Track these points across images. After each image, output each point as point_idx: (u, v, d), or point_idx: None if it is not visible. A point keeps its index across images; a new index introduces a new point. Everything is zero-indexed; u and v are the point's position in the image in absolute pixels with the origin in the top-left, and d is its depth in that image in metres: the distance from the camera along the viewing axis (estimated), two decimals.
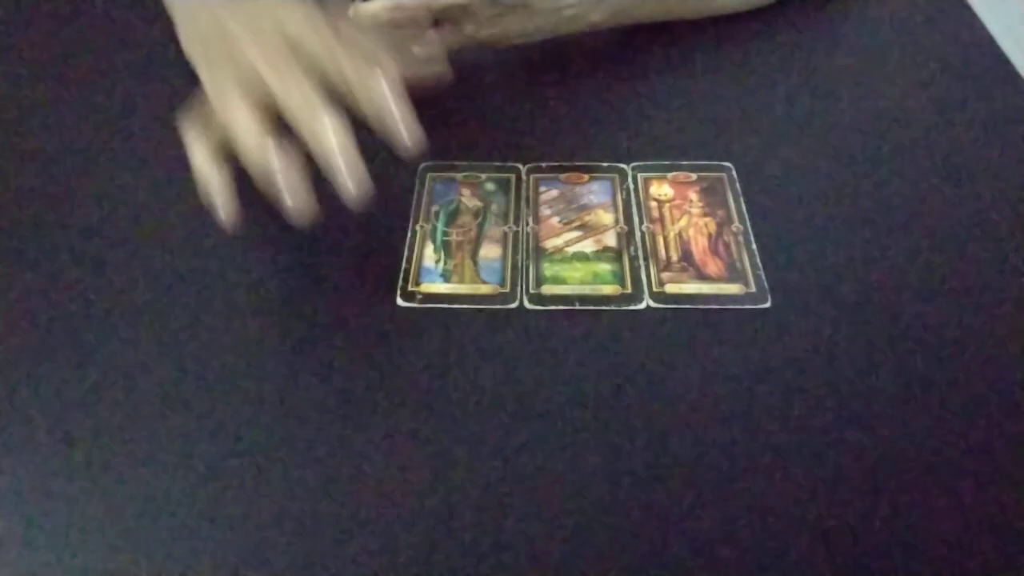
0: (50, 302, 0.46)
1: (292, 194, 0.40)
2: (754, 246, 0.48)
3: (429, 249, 0.49)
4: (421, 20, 0.56)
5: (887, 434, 0.40)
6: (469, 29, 0.57)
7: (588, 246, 0.49)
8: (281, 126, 0.42)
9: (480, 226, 0.50)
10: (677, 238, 0.49)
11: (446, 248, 0.49)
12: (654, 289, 0.46)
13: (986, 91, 0.59)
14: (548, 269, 0.48)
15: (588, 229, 0.50)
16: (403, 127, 0.42)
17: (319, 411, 0.41)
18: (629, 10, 0.62)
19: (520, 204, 0.51)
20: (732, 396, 0.41)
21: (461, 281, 0.47)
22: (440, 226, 0.50)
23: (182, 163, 0.54)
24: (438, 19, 0.57)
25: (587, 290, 0.46)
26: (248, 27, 0.44)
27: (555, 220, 0.51)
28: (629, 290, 0.46)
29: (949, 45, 0.64)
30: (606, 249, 0.49)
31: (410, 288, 0.47)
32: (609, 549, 0.36)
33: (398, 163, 0.54)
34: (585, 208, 0.51)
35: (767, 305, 0.45)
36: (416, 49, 0.57)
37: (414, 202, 0.52)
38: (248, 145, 0.41)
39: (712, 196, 0.52)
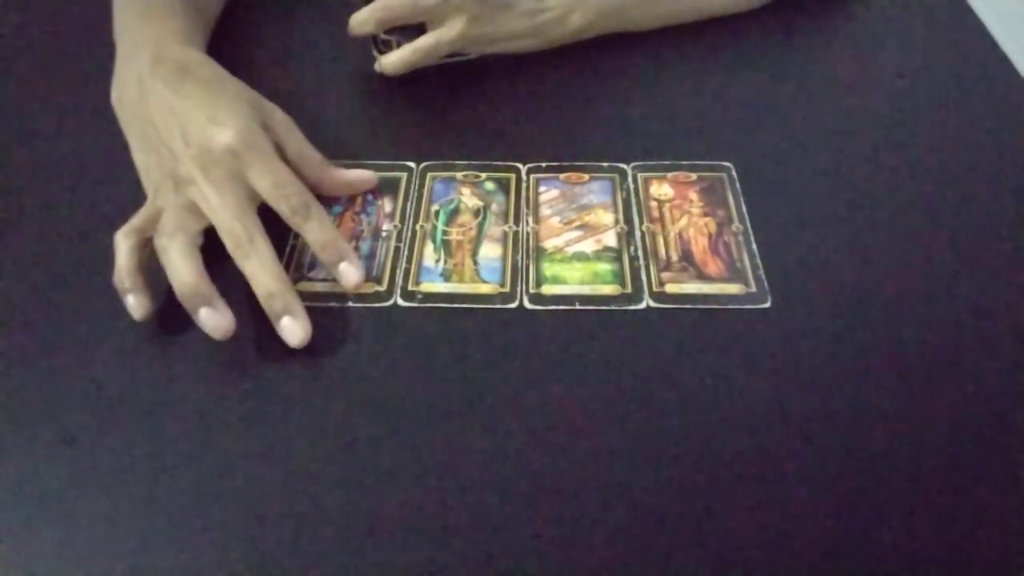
0: (51, 302, 0.46)
1: (213, 331, 0.43)
2: (754, 246, 0.48)
3: (429, 249, 0.49)
4: (408, 21, 0.57)
5: (887, 434, 0.40)
6: (455, 31, 0.57)
7: (588, 246, 0.49)
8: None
9: (480, 226, 0.50)
10: (677, 238, 0.49)
11: (446, 247, 0.49)
12: (654, 289, 0.46)
13: (986, 91, 0.59)
14: (548, 269, 0.48)
15: (588, 229, 0.50)
16: (343, 266, 0.46)
17: (319, 410, 0.41)
18: (611, 15, 0.62)
19: (520, 204, 0.51)
20: (732, 396, 0.41)
21: (461, 281, 0.47)
22: (440, 225, 0.50)
23: None
24: (424, 21, 0.57)
25: (587, 290, 0.46)
26: (185, 133, 0.46)
27: (555, 220, 0.50)
28: (629, 290, 0.46)
29: (949, 45, 0.64)
30: (606, 249, 0.49)
31: (410, 288, 0.47)
32: (609, 548, 0.36)
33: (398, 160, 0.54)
34: (585, 208, 0.51)
35: (767, 305, 0.45)
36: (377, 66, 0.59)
37: (413, 201, 0.52)
38: (181, 281, 0.43)
39: (712, 196, 0.52)
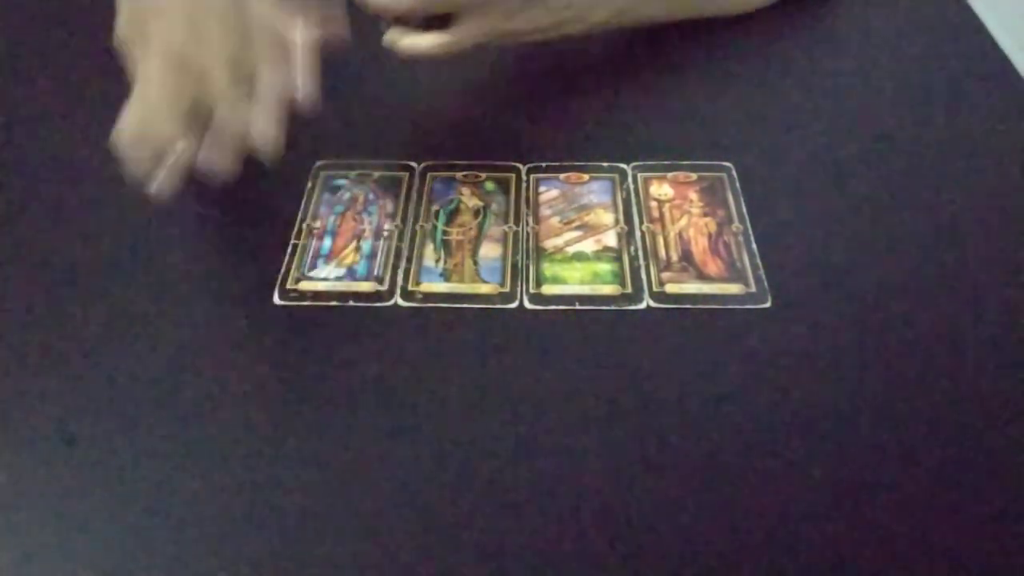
0: (50, 302, 0.46)
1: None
2: (754, 246, 0.48)
3: (429, 249, 0.49)
4: (446, 11, 0.55)
5: (887, 433, 0.40)
6: (488, 23, 0.56)
7: (588, 246, 0.49)
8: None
9: (480, 226, 0.50)
10: (677, 238, 0.49)
11: (446, 247, 0.49)
12: (654, 289, 0.46)
13: (986, 91, 0.59)
14: (548, 269, 0.48)
15: (588, 229, 0.50)
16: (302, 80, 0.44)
17: (320, 410, 0.41)
18: (627, 11, 0.62)
19: (520, 204, 0.51)
20: (732, 396, 0.41)
21: (461, 281, 0.47)
22: (440, 225, 0.50)
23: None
24: (456, 13, 0.56)
25: (587, 290, 0.46)
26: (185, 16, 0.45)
27: (555, 220, 0.51)
28: (629, 290, 0.46)
29: (949, 45, 0.64)
30: (606, 249, 0.49)
31: (410, 288, 0.47)
32: (608, 548, 0.36)
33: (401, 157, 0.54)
34: (585, 208, 0.51)
35: (767, 305, 0.45)
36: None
37: (413, 201, 0.52)
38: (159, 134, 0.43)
39: (712, 196, 0.52)
